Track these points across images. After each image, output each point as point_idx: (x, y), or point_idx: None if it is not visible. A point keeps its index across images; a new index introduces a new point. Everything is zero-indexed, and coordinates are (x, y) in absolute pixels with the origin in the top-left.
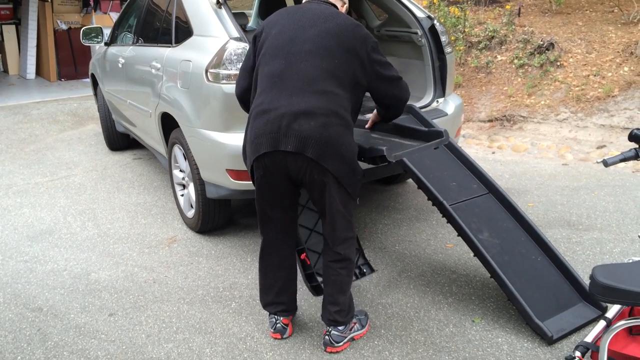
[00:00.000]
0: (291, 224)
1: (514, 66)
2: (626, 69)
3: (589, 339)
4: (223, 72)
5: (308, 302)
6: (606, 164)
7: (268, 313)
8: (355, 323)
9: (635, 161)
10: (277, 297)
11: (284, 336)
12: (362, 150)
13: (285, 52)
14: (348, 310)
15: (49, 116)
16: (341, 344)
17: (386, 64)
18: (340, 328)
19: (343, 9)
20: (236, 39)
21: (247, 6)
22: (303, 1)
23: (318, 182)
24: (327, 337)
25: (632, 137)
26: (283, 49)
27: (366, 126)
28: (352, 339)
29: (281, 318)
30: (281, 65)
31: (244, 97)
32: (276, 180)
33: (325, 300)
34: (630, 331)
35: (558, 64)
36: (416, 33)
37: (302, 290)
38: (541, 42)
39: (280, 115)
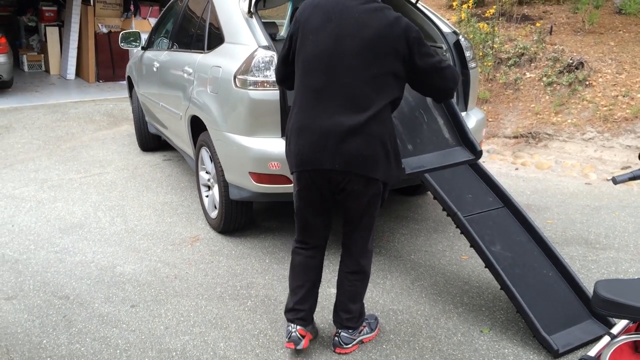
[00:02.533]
0: (327, 231)
1: (542, 84)
2: None
3: (592, 353)
4: (250, 78)
5: (320, 305)
6: (615, 181)
7: (286, 321)
8: (364, 326)
9: None
10: (299, 304)
11: (298, 347)
12: None
13: (325, 66)
14: (359, 316)
15: (85, 116)
16: (350, 345)
17: (426, 55)
18: (350, 330)
19: None
20: (264, 47)
21: (281, 16)
22: None
23: (358, 192)
24: (336, 338)
25: None
26: (321, 61)
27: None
28: (361, 342)
29: (298, 327)
30: (322, 80)
31: (283, 84)
32: (319, 191)
33: (337, 306)
34: (636, 348)
35: (587, 83)
36: (441, 47)
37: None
38: (571, 61)
39: (324, 135)
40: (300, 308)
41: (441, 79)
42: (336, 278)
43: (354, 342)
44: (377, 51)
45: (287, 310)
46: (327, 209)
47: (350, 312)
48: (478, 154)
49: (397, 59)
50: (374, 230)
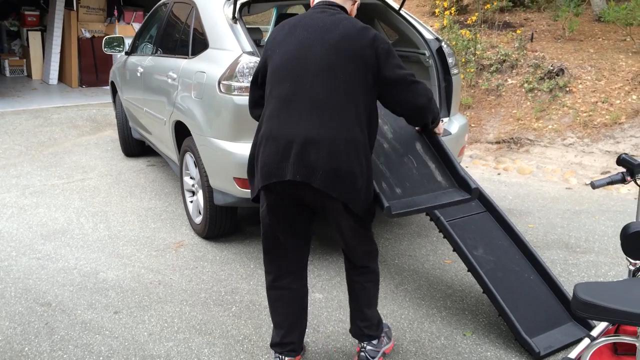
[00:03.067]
0: (304, 253)
1: (523, 90)
2: (634, 97)
3: (573, 355)
4: (235, 84)
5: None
6: (594, 185)
7: (274, 353)
8: (383, 336)
9: (623, 184)
10: (285, 337)
11: None
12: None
13: (291, 74)
14: (377, 323)
15: (68, 121)
16: (376, 359)
17: (395, 66)
18: (374, 342)
19: (354, 9)
20: (249, 53)
21: (266, 22)
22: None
23: (329, 207)
24: (362, 353)
25: (620, 161)
26: (289, 70)
27: (416, 128)
28: (384, 354)
29: (287, 358)
30: (289, 88)
31: (254, 111)
32: (289, 204)
33: (353, 317)
34: (616, 350)
35: (567, 89)
36: (424, 54)
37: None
38: (551, 68)
39: (289, 144)
40: (288, 341)
41: (411, 93)
42: (320, 283)
43: (379, 355)
44: (343, 55)
45: (274, 345)
46: (300, 225)
47: (367, 319)
48: (474, 192)
49: (366, 69)
50: (369, 232)
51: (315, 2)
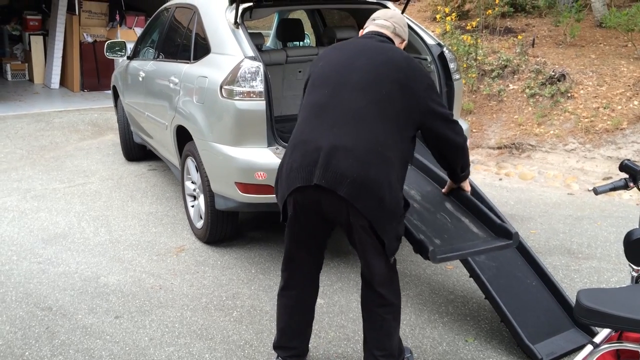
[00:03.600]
0: (315, 267)
1: (525, 95)
2: (636, 102)
3: None
4: (237, 89)
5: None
6: (596, 192)
7: (276, 356)
8: None
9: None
10: (289, 341)
11: None
12: (412, 236)
13: (330, 82)
14: (399, 353)
15: (70, 125)
16: None
17: (439, 102)
18: None
19: (401, 46)
20: (251, 58)
21: (268, 27)
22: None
23: (353, 225)
24: None
25: (623, 167)
26: (329, 79)
27: (443, 190)
28: None
29: None
30: (325, 95)
31: None
32: (308, 219)
33: (368, 344)
34: (619, 358)
35: (569, 95)
36: (426, 59)
37: None
38: (553, 73)
39: (317, 148)
40: (291, 346)
41: (450, 130)
42: (322, 288)
43: None
44: (388, 73)
45: (276, 347)
46: (315, 241)
47: (385, 349)
48: (514, 237)
49: (408, 91)
50: (394, 265)
51: (365, 32)
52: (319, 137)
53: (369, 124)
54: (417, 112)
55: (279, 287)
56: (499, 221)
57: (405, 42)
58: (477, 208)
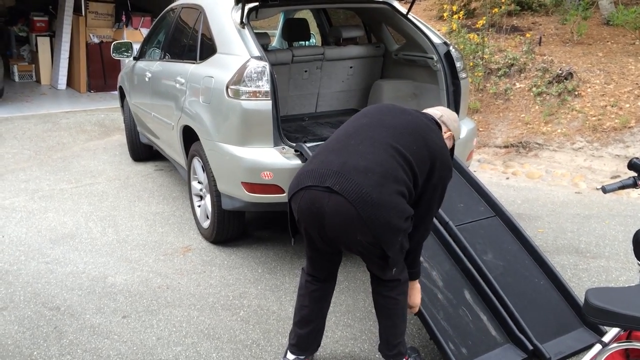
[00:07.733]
0: (334, 266)
1: (532, 94)
2: None
3: None
4: (243, 88)
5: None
6: (605, 190)
7: (287, 350)
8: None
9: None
10: (308, 337)
11: None
12: (441, 346)
13: (360, 124)
14: (404, 351)
15: (77, 126)
16: None
17: (442, 187)
18: None
19: (446, 135)
20: (257, 58)
21: (273, 27)
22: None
23: (360, 241)
24: None
25: (632, 165)
26: (359, 122)
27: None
28: None
29: (302, 357)
30: (351, 130)
31: None
32: (309, 222)
33: (384, 332)
34: (628, 357)
35: (576, 93)
36: (432, 58)
37: None
38: (560, 72)
39: (338, 160)
40: (307, 343)
41: (427, 221)
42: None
43: None
44: (412, 135)
45: (293, 344)
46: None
47: (398, 335)
48: (529, 352)
49: (429, 166)
50: (402, 264)
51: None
52: (341, 153)
53: (393, 159)
54: (422, 183)
55: (304, 281)
56: (517, 330)
57: (451, 132)
58: (493, 304)
